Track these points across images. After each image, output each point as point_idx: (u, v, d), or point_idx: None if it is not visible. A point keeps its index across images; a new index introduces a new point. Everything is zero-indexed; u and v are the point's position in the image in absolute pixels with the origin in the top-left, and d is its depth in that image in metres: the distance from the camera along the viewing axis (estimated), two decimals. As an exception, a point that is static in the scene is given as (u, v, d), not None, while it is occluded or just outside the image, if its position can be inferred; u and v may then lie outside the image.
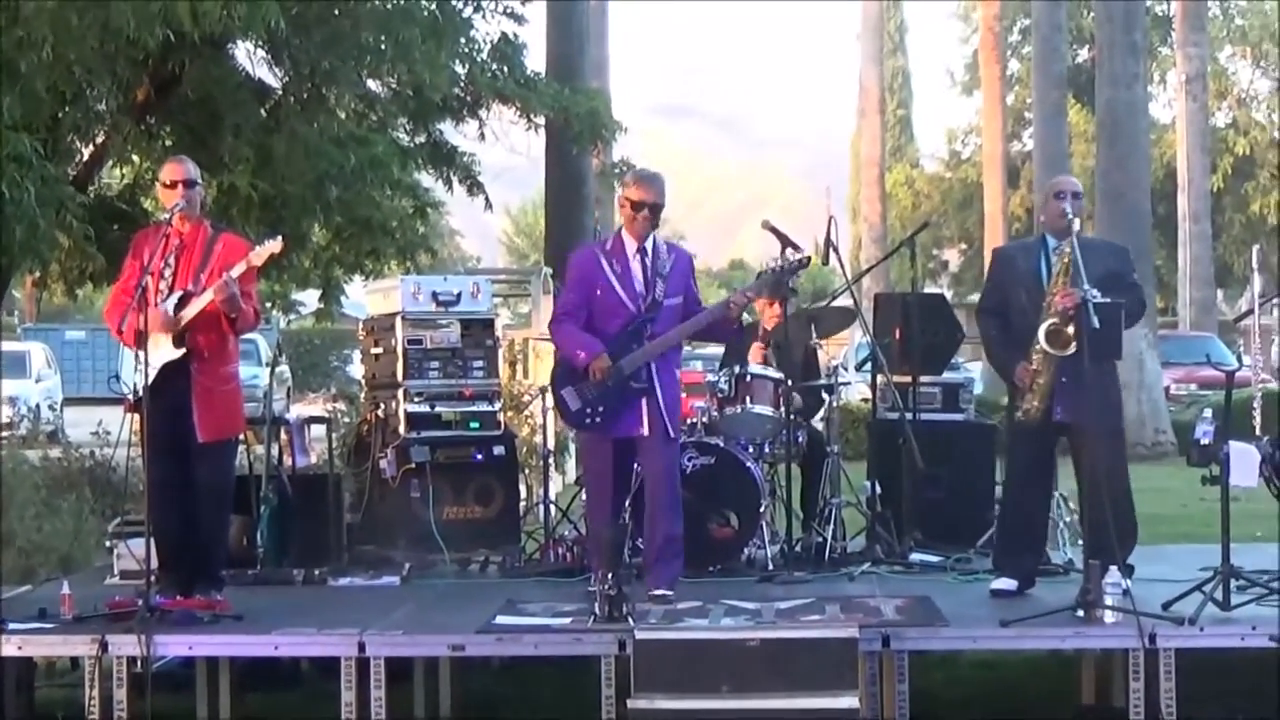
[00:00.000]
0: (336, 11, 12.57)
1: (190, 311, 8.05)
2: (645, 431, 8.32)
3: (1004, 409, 9.14)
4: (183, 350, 8.08)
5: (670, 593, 8.22)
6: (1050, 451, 8.51)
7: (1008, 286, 8.54)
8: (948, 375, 10.77)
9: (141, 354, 7.94)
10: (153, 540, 8.05)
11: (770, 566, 9.20)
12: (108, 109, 13.25)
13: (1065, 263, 8.07)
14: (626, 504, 8.82)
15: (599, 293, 8.38)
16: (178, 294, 8.10)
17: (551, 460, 11.33)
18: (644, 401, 8.30)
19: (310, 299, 17.56)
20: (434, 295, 9.92)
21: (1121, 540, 7.85)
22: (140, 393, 7.96)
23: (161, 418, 8.03)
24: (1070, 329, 7.98)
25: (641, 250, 8.41)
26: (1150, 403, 22.93)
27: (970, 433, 10.56)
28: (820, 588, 8.70)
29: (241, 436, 9.13)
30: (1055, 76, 29.14)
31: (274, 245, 8.18)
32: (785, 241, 8.51)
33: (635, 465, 8.66)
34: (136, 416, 8.20)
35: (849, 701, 6.88)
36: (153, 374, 7.97)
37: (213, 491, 8.31)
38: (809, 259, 8.58)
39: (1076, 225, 8.13)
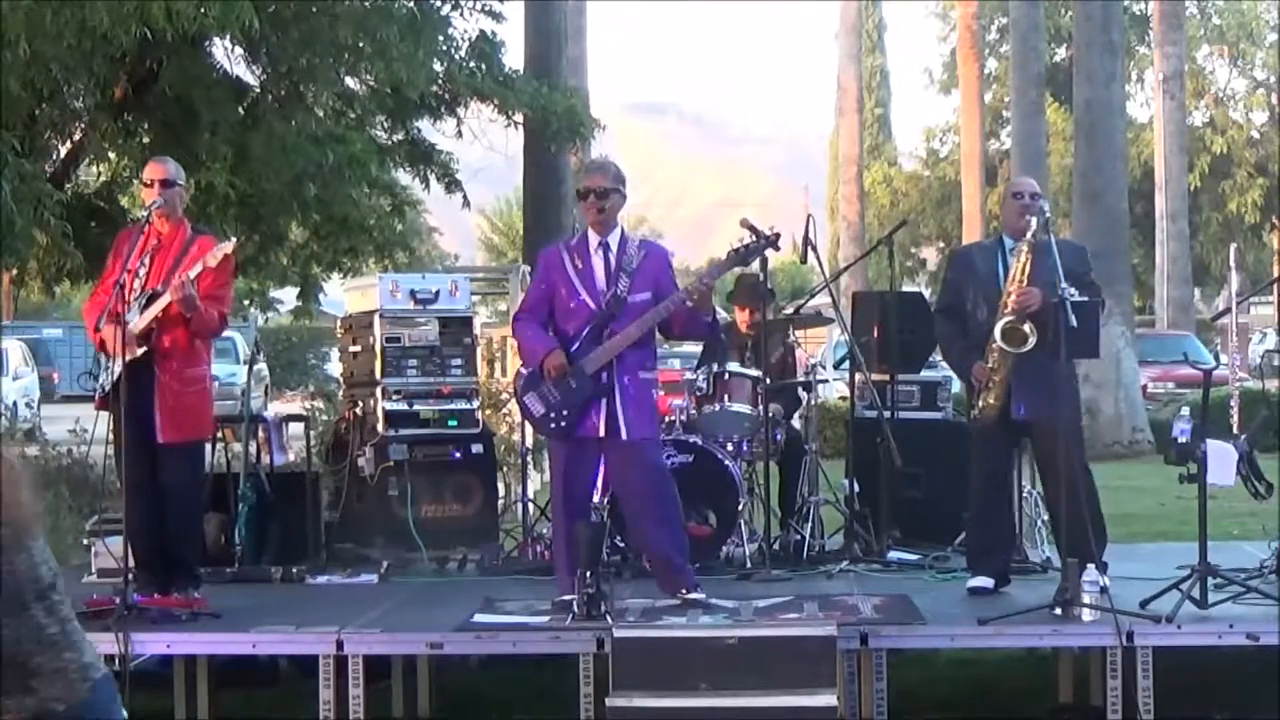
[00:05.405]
0: (314, 9, 12.57)
1: (149, 313, 8.01)
2: (601, 433, 7.99)
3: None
4: (143, 349, 8.01)
5: (699, 595, 7.97)
6: (1011, 449, 8.53)
7: (964, 287, 8.57)
8: (926, 374, 10.78)
9: (106, 356, 7.99)
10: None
11: (748, 564, 9.15)
12: (85, 106, 13.25)
13: (1022, 263, 8.08)
14: (596, 503, 8.60)
15: (561, 290, 8.07)
16: (147, 293, 8.07)
17: (530, 458, 11.31)
18: (603, 402, 7.98)
19: (288, 296, 17.59)
20: (412, 293, 9.90)
21: (1092, 537, 7.87)
22: (109, 390, 7.96)
23: (127, 417, 8.02)
24: (1026, 326, 7.99)
25: (604, 245, 8.08)
26: (1127, 401, 22.94)
27: (948, 431, 10.54)
28: (798, 586, 8.68)
29: (219, 435, 9.09)
30: (1033, 75, 29.14)
31: (226, 247, 8.10)
32: (763, 239, 8.21)
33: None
34: (112, 414, 8.17)
35: (827, 699, 6.87)
36: (119, 372, 7.94)
37: (178, 493, 8.23)
38: (777, 237, 8.16)
39: (1043, 224, 8.13)
